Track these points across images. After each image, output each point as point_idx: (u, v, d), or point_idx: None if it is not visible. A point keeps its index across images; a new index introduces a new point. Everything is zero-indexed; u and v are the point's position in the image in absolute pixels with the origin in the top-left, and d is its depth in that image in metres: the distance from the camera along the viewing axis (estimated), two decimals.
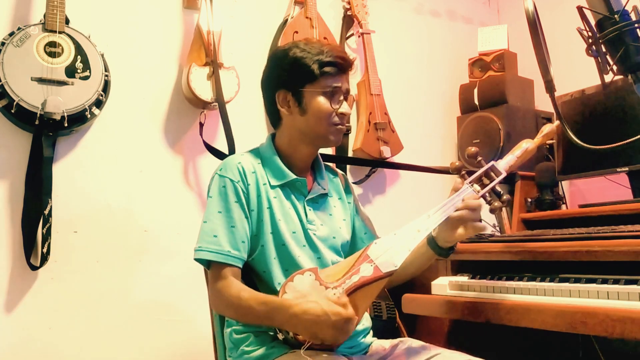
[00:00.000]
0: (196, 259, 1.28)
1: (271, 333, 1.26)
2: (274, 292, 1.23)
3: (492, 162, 1.33)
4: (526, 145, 1.38)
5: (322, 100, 1.31)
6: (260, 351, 1.25)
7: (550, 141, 1.45)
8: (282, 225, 1.31)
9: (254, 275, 1.32)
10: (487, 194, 1.31)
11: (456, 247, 1.35)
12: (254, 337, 1.28)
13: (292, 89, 1.32)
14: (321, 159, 1.45)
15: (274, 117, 1.39)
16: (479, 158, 1.35)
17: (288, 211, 1.33)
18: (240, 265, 1.28)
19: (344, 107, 1.34)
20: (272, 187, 1.33)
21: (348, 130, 2.46)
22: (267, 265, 1.30)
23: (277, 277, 1.29)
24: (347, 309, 1.14)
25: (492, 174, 1.32)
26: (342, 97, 1.33)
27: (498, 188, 1.33)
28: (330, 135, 1.33)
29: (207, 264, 1.28)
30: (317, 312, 1.13)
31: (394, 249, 1.23)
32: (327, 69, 1.30)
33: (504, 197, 1.31)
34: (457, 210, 1.27)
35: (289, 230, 1.31)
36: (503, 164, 1.34)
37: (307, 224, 1.34)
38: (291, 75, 1.32)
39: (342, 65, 1.33)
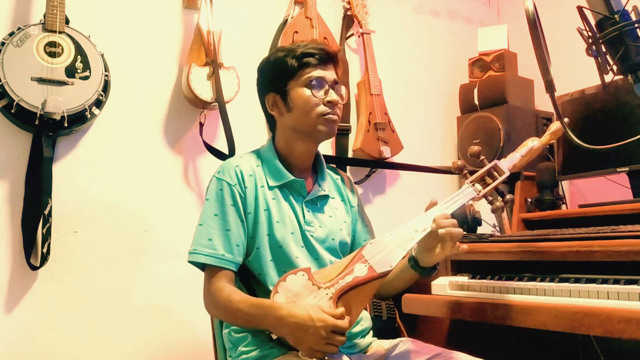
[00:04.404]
0: (190, 262, 1.28)
1: (267, 333, 1.26)
2: (269, 293, 1.22)
3: (495, 161, 1.32)
4: (532, 144, 1.36)
5: (305, 92, 1.31)
6: (259, 352, 1.25)
7: (552, 141, 1.45)
8: (280, 227, 1.31)
9: (250, 277, 1.32)
10: (489, 194, 1.30)
11: (438, 266, 1.33)
12: (251, 337, 1.28)
13: (278, 90, 1.34)
14: (324, 160, 1.45)
15: (269, 122, 1.41)
16: (482, 157, 1.34)
17: (286, 212, 1.33)
18: (235, 269, 1.28)
19: (332, 95, 1.31)
20: (271, 188, 1.33)
21: (348, 130, 2.46)
22: (262, 267, 1.30)
23: (272, 279, 1.28)
24: (338, 320, 1.12)
25: (495, 173, 1.31)
26: (327, 87, 1.32)
27: (500, 188, 1.31)
28: (318, 125, 1.31)
29: (202, 267, 1.29)
30: (303, 317, 1.12)
31: (389, 249, 1.22)
32: (305, 60, 1.31)
33: (507, 197, 1.30)
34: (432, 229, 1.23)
35: (287, 231, 1.31)
36: (506, 163, 1.32)
37: (305, 225, 1.33)
38: (274, 76, 1.34)
39: (321, 55, 1.32)
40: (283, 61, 1.32)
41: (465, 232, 1.99)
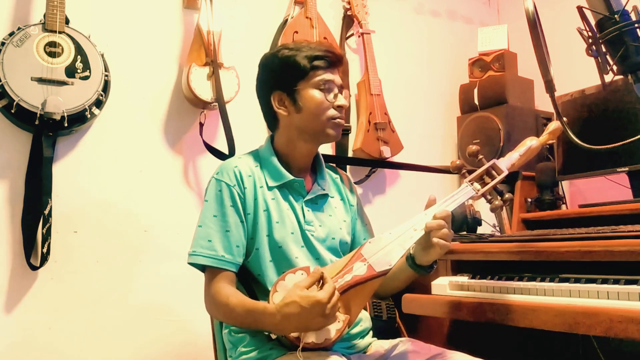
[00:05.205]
0: (190, 263, 1.28)
1: (266, 333, 1.26)
2: (269, 294, 1.21)
3: (493, 160, 1.32)
4: (530, 143, 1.36)
5: (316, 95, 1.31)
6: (258, 353, 1.25)
7: (551, 141, 1.45)
8: (280, 227, 1.30)
9: (250, 278, 1.32)
10: (487, 193, 1.30)
11: (436, 264, 1.32)
12: (250, 338, 1.28)
13: (286, 89, 1.33)
14: (322, 159, 1.45)
15: (271, 120, 1.39)
16: (480, 156, 1.34)
17: (286, 212, 1.33)
18: (235, 270, 1.28)
19: (341, 100, 1.33)
20: (270, 188, 1.33)
21: (348, 130, 2.46)
22: (261, 268, 1.30)
23: (271, 280, 1.28)
24: (326, 290, 1.12)
25: (494, 172, 1.31)
26: (336, 91, 1.33)
27: (499, 187, 1.31)
28: (328, 129, 1.32)
29: (202, 268, 1.29)
30: (297, 310, 1.11)
31: (388, 248, 1.22)
32: (316, 62, 1.31)
33: (506, 195, 1.30)
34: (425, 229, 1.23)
35: (287, 231, 1.31)
36: (505, 162, 1.32)
37: (305, 225, 1.33)
38: (283, 75, 1.33)
39: (332, 59, 1.33)
40: (294, 61, 1.31)
41: (458, 233, 1.99)
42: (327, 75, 1.32)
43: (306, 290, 1.13)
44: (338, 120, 1.33)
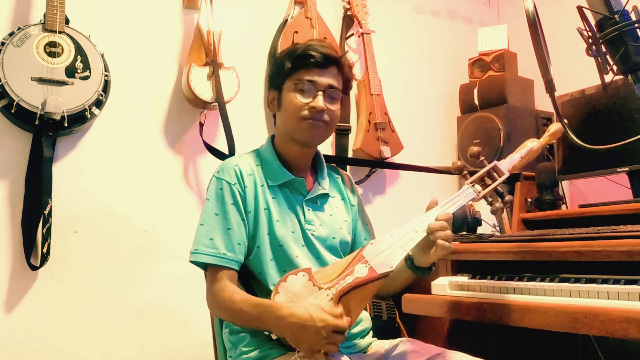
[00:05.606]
0: (192, 262, 1.28)
1: (266, 333, 1.26)
2: (269, 293, 1.21)
3: (494, 162, 1.32)
4: (531, 145, 1.35)
5: (292, 95, 1.30)
6: (258, 352, 1.25)
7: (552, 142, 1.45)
8: (280, 226, 1.31)
9: (250, 277, 1.32)
10: (488, 195, 1.30)
11: (435, 266, 1.32)
12: (250, 337, 1.28)
13: (277, 88, 1.35)
14: (323, 159, 1.45)
15: (273, 119, 1.43)
16: (481, 158, 1.34)
17: (287, 211, 1.33)
18: (237, 268, 1.28)
19: (317, 101, 1.29)
20: (271, 187, 1.33)
21: (348, 130, 2.46)
22: (262, 266, 1.30)
23: (272, 279, 1.28)
24: (338, 320, 1.12)
25: (495, 174, 1.31)
26: (318, 92, 1.29)
27: (500, 188, 1.32)
28: (300, 129, 1.30)
29: (204, 267, 1.29)
30: (304, 316, 1.11)
31: (389, 250, 1.22)
32: (300, 61, 1.30)
33: (506, 197, 1.30)
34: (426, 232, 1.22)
35: (287, 230, 1.31)
36: (506, 164, 1.32)
37: (306, 224, 1.33)
38: (275, 74, 1.36)
39: (317, 59, 1.29)
40: (282, 60, 1.33)
41: (457, 234, 1.99)
42: (309, 76, 1.29)
43: (321, 309, 1.12)
44: (310, 121, 1.29)
